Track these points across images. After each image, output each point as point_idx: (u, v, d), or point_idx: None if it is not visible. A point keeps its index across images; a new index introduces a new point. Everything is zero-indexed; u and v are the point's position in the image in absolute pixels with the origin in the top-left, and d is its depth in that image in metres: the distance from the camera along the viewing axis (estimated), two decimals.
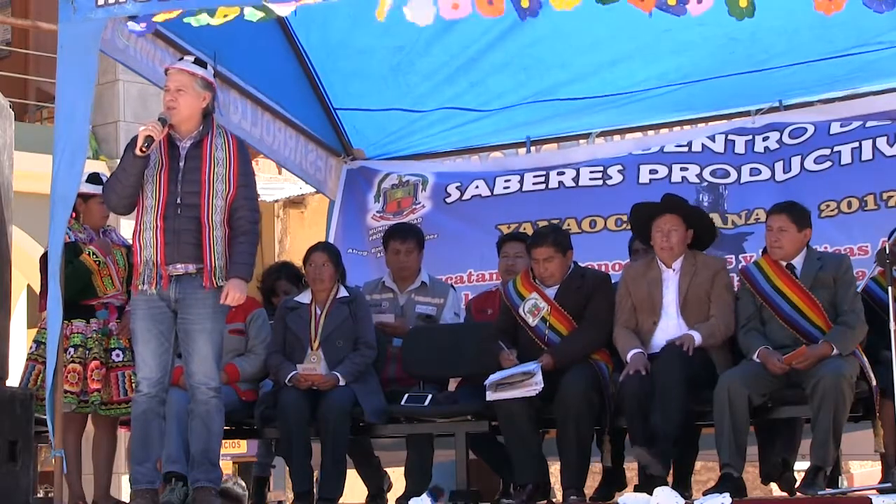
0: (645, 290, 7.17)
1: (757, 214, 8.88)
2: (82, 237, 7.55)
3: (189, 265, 6.67)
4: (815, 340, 6.76)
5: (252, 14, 6.62)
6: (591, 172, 9.52)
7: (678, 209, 7.23)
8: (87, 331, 7.47)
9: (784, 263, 7.02)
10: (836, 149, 8.93)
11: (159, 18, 6.76)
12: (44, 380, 7.10)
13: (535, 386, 7.00)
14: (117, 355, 7.51)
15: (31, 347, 7.60)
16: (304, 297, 7.76)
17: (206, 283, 6.66)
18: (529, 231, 8.94)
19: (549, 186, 9.60)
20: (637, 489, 6.89)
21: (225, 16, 6.65)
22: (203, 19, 6.68)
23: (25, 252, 12.36)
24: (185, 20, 6.70)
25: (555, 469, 7.23)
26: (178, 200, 6.65)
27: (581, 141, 9.99)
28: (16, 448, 6.37)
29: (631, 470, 7.16)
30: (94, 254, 7.53)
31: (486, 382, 7.10)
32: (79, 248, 7.46)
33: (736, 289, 7.26)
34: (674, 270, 7.17)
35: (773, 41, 8.50)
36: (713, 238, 7.43)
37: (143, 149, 6.59)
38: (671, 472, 7.52)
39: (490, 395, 7.09)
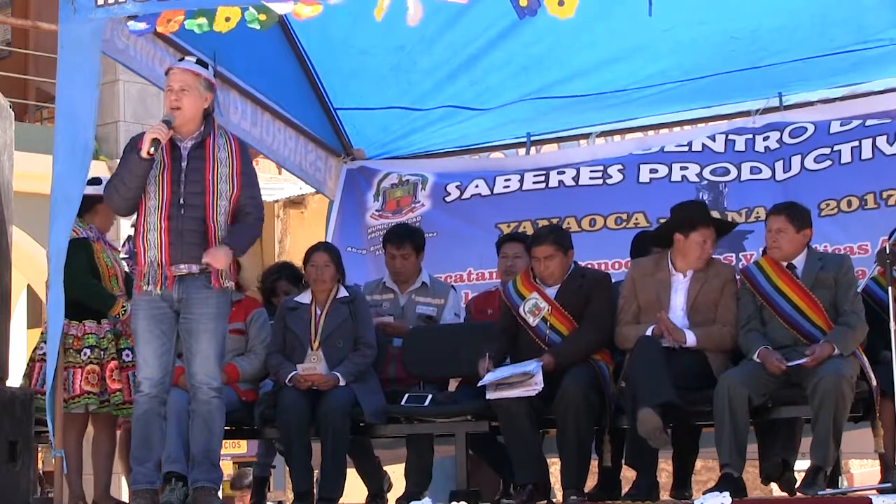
0: (653, 293, 7.16)
1: (757, 213, 8.88)
2: (91, 235, 7.55)
3: (192, 266, 6.67)
4: (815, 340, 6.76)
5: (252, 17, 6.62)
6: (592, 172, 9.52)
7: (714, 222, 7.27)
8: (99, 331, 7.48)
9: (785, 263, 7.02)
10: (835, 148, 8.93)
11: (162, 29, 6.76)
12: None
13: (535, 386, 6.99)
14: (127, 355, 7.51)
15: (40, 347, 7.58)
16: (305, 298, 7.76)
17: (214, 284, 6.66)
18: (529, 230, 8.94)
19: (549, 185, 9.60)
20: (631, 493, 6.90)
21: (227, 19, 6.64)
22: (204, 25, 6.67)
23: (25, 252, 12.36)
24: (188, 26, 6.69)
25: (555, 469, 7.23)
26: (182, 201, 6.66)
27: (581, 141, 9.99)
28: (16, 448, 6.37)
29: (629, 470, 7.15)
30: (103, 252, 7.56)
31: (486, 382, 7.09)
32: (91, 246, 7.47)
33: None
34: (684, 276, 7.16)
35: (773, 39, 8.52)
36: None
37: (150, 152, 6.59)
38: (670, 472, 7.54)
39: (490, 395, 7.09)
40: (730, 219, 8.84)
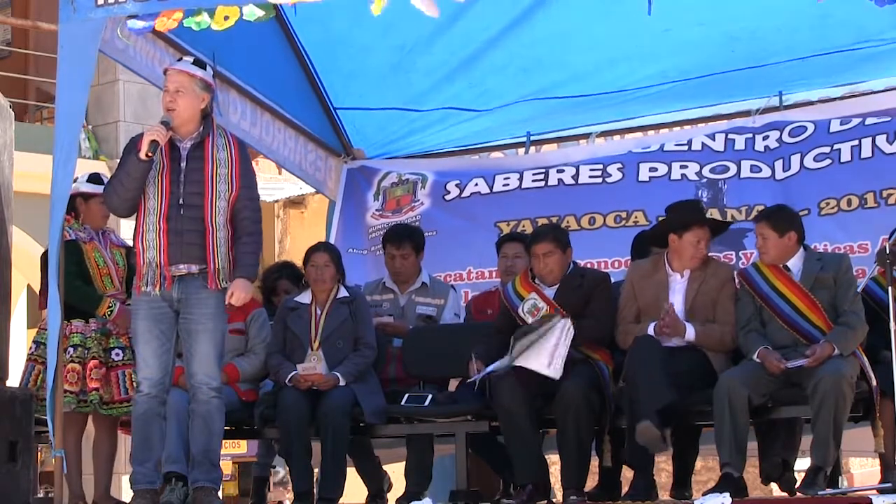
0: (651, 294, 7.15)
1: (757, 211, 8.87)
2: (83, 236, 7.55)
3: (192, 266, 6.67)
4: (815, 341, 6.75)
5: (251, 13, 6.62)
6: (591, 170, 9.52)
7: (709, 221, 7.28)
8: (86, 330, 7.47)
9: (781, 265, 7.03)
10: (835, 146, 8.93)
11: (160, 27, 6.76)
12: (44, 380, 7.11)
13: (563, 332, 6.95)
14: (117, 354, 7.51)
15: (30, 348, 7.61)
16: (305, 298, 7.76)
17: (211, 286, 6.66)
18: (529, 229, 8.95)
19: (549, 184, 9.60)
20: (630, 494, 6.90)
21: (226, 18, 6.64)
22: (203, 22, 6.67)
23: (25, 252, 12.35)
24: (186, 24, 6.69)
25: (555, 469, 7.22)
26: (181, 201, 6.66)
27: (581, 141, 9.99)
28: (16, 448, 6.37)
29: (630, 470, 7.15)
30: (96, 251, 7.55)
31: (478, 378, 7.08)
32: (79, 247, 7.46)
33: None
34: (681, 276, 7.16)
35: (773, 39, 8.51)
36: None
37: (149, 153, 6.59)
38: (671, 472, 7.54)
39: (518, 362, 7.01)
40: (729, 216, 8.86)
